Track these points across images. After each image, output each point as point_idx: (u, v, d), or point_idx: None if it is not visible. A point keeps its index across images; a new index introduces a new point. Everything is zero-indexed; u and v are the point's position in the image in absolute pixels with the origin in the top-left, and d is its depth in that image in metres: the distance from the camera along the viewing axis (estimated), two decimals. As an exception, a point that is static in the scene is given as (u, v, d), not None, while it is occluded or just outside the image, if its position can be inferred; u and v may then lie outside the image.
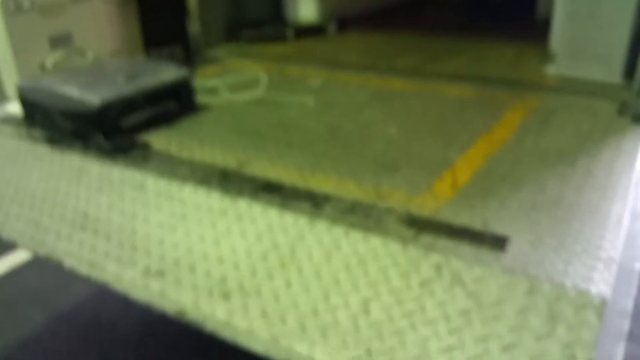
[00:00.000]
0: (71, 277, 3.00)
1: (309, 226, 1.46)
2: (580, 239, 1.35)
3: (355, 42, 3.71)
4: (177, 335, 2.67)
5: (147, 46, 3.07)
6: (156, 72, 2.29)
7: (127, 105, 2.09)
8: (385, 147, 1.96)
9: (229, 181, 1.73)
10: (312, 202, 1.56)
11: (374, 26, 4.10)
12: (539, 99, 2.38)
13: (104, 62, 2.66)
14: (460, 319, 1.14)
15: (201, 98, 2.46)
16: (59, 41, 2.62)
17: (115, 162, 1.89)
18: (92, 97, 2.00)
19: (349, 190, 1.64)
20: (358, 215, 1.49)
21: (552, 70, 2.70)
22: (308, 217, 1.50)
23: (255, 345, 1.14)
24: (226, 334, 1.18)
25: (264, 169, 1.81)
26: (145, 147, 2.01)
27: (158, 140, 2.07)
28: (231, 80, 2.74)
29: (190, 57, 3.22)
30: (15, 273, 3.24)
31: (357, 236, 1.40)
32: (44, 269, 3.23)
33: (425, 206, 1.54)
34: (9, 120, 2.31)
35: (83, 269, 1.42)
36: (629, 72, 2.46)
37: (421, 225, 1.43)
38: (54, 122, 2.09)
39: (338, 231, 1.43)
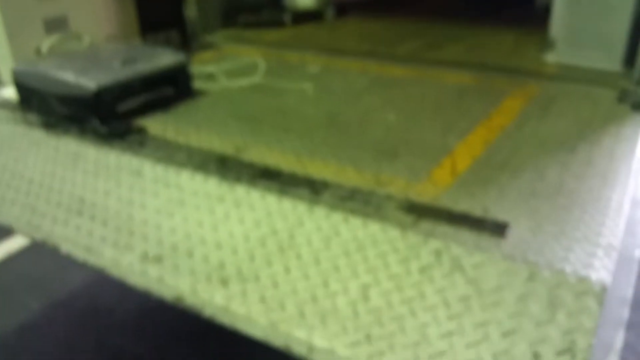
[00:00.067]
0: (67, 264, 3.01)
1: (307, 212, 1.45)
2: (581, 226, 1.35)
3: (353, 28, 3.68)
4: (174, 321, 2.67)
5: (144, 31, 3.04)
6: (153, 57, 2.27)
7: (124, 90, 2.07)
8: (384, 134, 1.95)
9: (227, 167, 1.71)
10: (311, 189, 1.55)
11: (372, 12, 4.07)
12: (538, 86, 2.37)
13: (100, 47, 2.63)
14: (460, 305, 1.13)
15: (198, 83, 2.44)
16: (55, 25, 2.59)
17: (111, 147, 1.88)
18: (89, 81, 1.98)
19: (348, 177, 1.63)
20: (357, 201, 1.48)
21: (551, 57, 2.69)
22: (307, 203, 1.49)
23: (254, 330, 1.14)
24: (225, 319, 1.17)
25: (262, 155, 1.80)
26: (142, 133, 2.00)
27: (154, 125, 2.06)
28: (228, 66, 2.72)
29: (187, 42, 3.19)
30: (11, 259, 3.24)
31: (356, 222, 1.39)
32: (40, 256, 3.22)
33: (425, 193, 1.53)
34: (4, 104, 2.29)
35: (80, 254, 1.41)
36: (629, 60, 2.45)
37: (421, 212, 1.42)
38: (50, 106, 2.07)
39: (337, 217, 1.42)
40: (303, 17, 3.76)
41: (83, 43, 2.66)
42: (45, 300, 2.91)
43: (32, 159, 1.86)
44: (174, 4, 3.21)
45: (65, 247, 1.43)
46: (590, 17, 2.53)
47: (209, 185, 1.62)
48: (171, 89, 2.29)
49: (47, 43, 2.55)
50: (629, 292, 1.25)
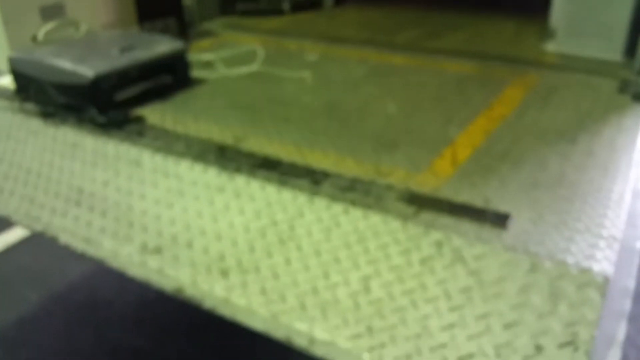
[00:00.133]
0: (66, 256, 3.01)
1: (308, 203, 1.44)
2: (582, 217, 1.35)
3: (352, 16, 3.65)
4: (173, 313, 2.67)
5: (141, 19, 3.02)
6: (150, 45, 2.24)
7: (122, 78, 2.05)
8: (384, 124, 1.94)
9: (226, 157, 1.70)
10: (311, 179, 1.54)
11: (371, 0, 4.04)
12: (539, 76, 2.36)
13: (97, 34, 2.61)
14: (461, 297, 1.13)
15: (196, 72, 2.42)
16: (51, 12, 2.57)
17: (110, 137, 1.87)
18: (86, 69, 1.96)
19: (348, 167, 1.62)
20: (358, 192, 1.47)
21: (552, 46, 2.67)
22: (307, 194, 1.48)
23: (254, 322, 1.13)
24: (225, 311, 1.16)
25: (261, 144, 1.79)
26: (140, 122, 1.98)
27: (152, 114, 2.04)
28: (226, 54, 2.70)
29: (184, 30, 3.16)
30: (10, 252, 3.23)
31: (356, 213, 1.39)
32: (38, 248, 3.21)
33: (426, 183, 1.52)
34: (0, 93, 2.27)
35: (78, 245, 1.40)
36: (630, 50, 2.44)
37: (422, 203, 1.42)
38: (47, 95, 2.05)
39: (337, 208, 1.41)
40: (302, 4, 3.73)
41: (80, 31, 2.64)
42: (44, 292, 2.90)
43: (30, 149, 1.85)
44: (172, -9, 3.18)
45: (64, 238, 1.42)
46: (591, 6, 2.51)
47: (209, 176, 1.61)
48: (169, 77, 2.27)
49: (43, 30, 2.52)
50: (630, 284, 1.25)
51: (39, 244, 3.22)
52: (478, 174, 1.57)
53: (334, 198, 1.45)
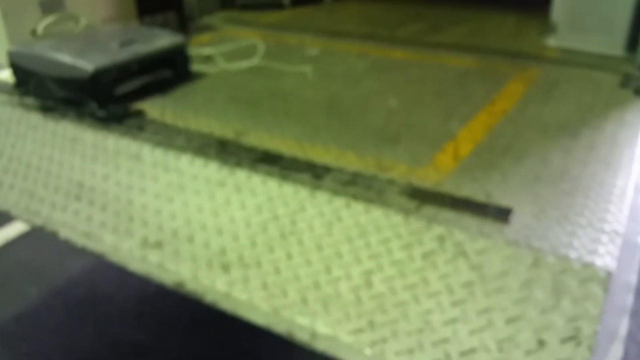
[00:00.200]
0: (65, 251, 3.01)
1: (309, 197, 1.43)
2: (584, 212, 1.34)
3: (353, 10, 3.64)
4: (174, 308, 2.67)
5: (141, 13, 3.00)
6: (150, 39, 2.23)
7: (121, 72, 2.05)
8: (385, 118, 1.93)
9: (227, 152, 1.70)
10: (312, 174, 1.54)
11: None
12: (540, 71, 2.35)
13: (97, 28, 2.59)
14: (464, 291, 1.13)
15: (196, 66, 2.42)
16: (51, 6, 2.55)
17: (110, 131, 1.86)
18: (86, 63, 1.95)
19: (349, 161, 1.62)
20: (359, 186, 1.47)
21: (553, 41, 2.66)
22: (308, 188, 1.47)
23: (256, 317, 1.13)
24: (227, 306, 1.16)
25: (262, 139, 1.78)
26: (140, 116, 1.97)
27: (152, 109, 2.03)
28: (227, 48, 2.69)
29: (184, 24, 3.15)
30: (9, 246, 3.22)
31: (358, 208, 1.38)
32: (37, 243, 3.21)
33: (428, 178, 1.52)
34: (0, 87, 2.26)
35: (79, 239, 1.40)
36: (632, 45, 2.43)
37: (423, 197, 1.41)
38: (47, 89, 2.04)
39: (339, 203, 1.40)
40: (302, -2, 3.72)
41: (80, 25, 2.62)
42: (44, 287, 2.90)
43: (30, 143, 1.84)
44: (172, -15, 3.16)
45: (64, 233, 1.42)
46: (592, 0, 2.50)
47: (209, 170, 1.60)
48: (169, 72, 2.26)
49: (43, 24, 2.51)
50: (632, 279, 1.24)
51: (39, 238, 3.22)
52: (480, 168, 1.56)
53: (335, 192, 1.44)
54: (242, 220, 1.38)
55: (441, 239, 1.26)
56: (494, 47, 2.72)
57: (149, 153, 1.72)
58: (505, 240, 1.24)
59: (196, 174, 1.59)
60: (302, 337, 1.08)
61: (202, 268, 1.24)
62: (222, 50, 2.65)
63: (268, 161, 1.62)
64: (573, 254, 1.18)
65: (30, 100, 2.11)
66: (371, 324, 1.07)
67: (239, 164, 1.61)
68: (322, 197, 1.43)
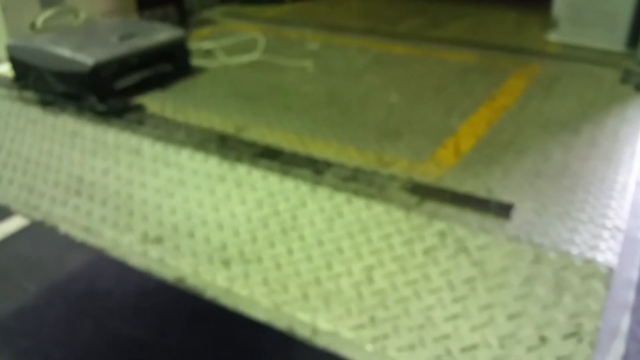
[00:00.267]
0: (65, 246, 3.00)
1: (310, 193, 1.43)
2: (586, 208, 1.34)
3: (353, 5, 3.62)
4: (173, 303, 2.67)
5: (141, 6, 2.99)
6: (150, 33, 2.22)
7: (121, 66, 2.04)
8: (386, 113, 1.93)
9: (227, 146, 1.69)
10: (313, 169, 1.53)
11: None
12: (541, 66, 2.34)
13: (96, 22, 2.58)
14: (465, 287, 1.13)
15: (196, 60, 2.41)
16: (50, 0, 2.54)
17: (109, 125, 1.85)
18: (86, 57, 1.94)
19: (350, 157, 1.61)
20: (360, 182, 1.46)
21: (554, 36, 2.65)
22: (309, 183, 1.47)
23: (256, 313, 1.13)
24: (227, 301, 1.16)
25: (262, 134, 1.78)
26: (140, 110, 1.97)
27: (152, 103, 2.02)
28: (227, 42, 2.68)
29: (184, 18, 3.14)
30: (9, 241, 3.21)
31: (359, 203, 1.38)
32: (37, 237, 3.20)
33: (429, 173, 1.51)
34: (-1, 81, 2.25)
35: (79, 234, 1.39)
36: (633, 40, 2.42)
37: (425, 193, 1.41)
38: (46, 83, 2.03)
39: (340, 198, 1.40)
40: (302, -7, 3.70)
41: (79, 18, 2.61)
42: (44, 282, 2.89)
43: (29, 137, 1.84)
44: (171, -21, 3.15)
45: (64, 228, 1.42)
46: (594, -5, 2.50)
47: (210, 165, 1.60)
48: (169, 66, 2.25)
49: (42, 18, 2.50)
50: (634, 275, 1.24)
51: (38, 233, 3.21)
52: (481, 164, 1.56)
53: (336, 188, 1.44)
54: (243, 215, 1.38)
55: (442, 235, 1.26)
56: (495, 42, 2.71)
57: (149, 147, 1.71)
58: (506, 236, 1.24)
59: (196, 169, 1.58)
60: (303, 333, 1.08)
61: (203, 263, 1.24)
62: (223, 44, 2.64)
63: (269, 156, 1.61)
64: (574, 250, 1.18)
65: (29, 94, 2.10)
66: (372, 320, 1.07)
67: (239, 158, 1.60)
68: (323, 192, 1.43)
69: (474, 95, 2.04)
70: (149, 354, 2.46)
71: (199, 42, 2.64)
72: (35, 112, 1.99)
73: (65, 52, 1.98)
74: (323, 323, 1.07)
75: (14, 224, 3.26)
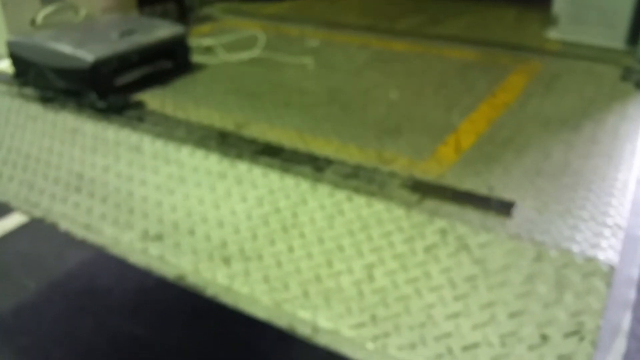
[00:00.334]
0: (65, 243, 3.00)
1: (311, 190, 1.43)
2: (587, 205, 1.34)
3: (354, 2, 3.61)
4: (173, 301, 2.67)
5: (140, 3, 2.98)
6: (150, 30, 2.22)
7: (122, 62, 2.03)
8: (386, 110, 1.92)
9: (228, 143, 1.69)
10: (314, 166, 1.53)
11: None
12: (541, 63, 2.34)
13: (96, 19, 2.58)
14: (466, 285, 1.12)
15: (196, 57, 2.40)
16: (50, -4, 2.54)
17: (110, 122, 1.84)
18: (86, 53, 1.93)
19: (350, 154, 1.61)
20: (361, 179, 1.46)
21: (554, 33, 2.65)
22: (310, 181, 1.46)
23: (257, 311, 1.12)
24: (227, 299, 1.16)
25: (262, 131, 1.77)
26: (140, 107, 1.96)
27: (153, 100, 2.02)
28: (227, 39, 2.67)
29: (184, 14, 3.13)
30: (8, 238, 3.21)
31: (360, 201, 1.37)
32: (37, 234, 3.20)
33: (429, 171, 1.51)
34: (-1, 78, 2.25)
35: (79, 231, 1.39)
36: (633, 38, 2.42)
37: (425, 190, 1.40)
38: (46, 79, 2.03)
39: (341, 196, 1.40)
40: (302, -11, 3.69)
41: (79, 14, 2.61)
42: (43, 280, 2.89)
43: (29, 134, 1.83)
44: (171, -25, 3.14)
45: (64, 225, 1.41)
46: (594, -7, 2.49)
47: (210, 162, 1.59)
48: (169, 62, 2.25)
49: (42, 14, 2.49)
50: (635, 273, 1.24)
51: (38, 230, 3.21)
52: (482, 161, 1.56)
53: (337, 185, 1.43)
54: (243, 212, 1.38)
55: (443, 233, 1.25)
56: (495, 39, 2.71)
57: (149, 144, 1.71)
58: (507, 234, 1.23)
59: (197, 166, 1.58)
60: (303, 331, 1.08)
61: (203, 261, 1.24)
62: (223, 41, 2.64)
63: (269, 153, 1.61)
64: (575, 248, 1.18)
65: (29, 90, 2.09)
66: (373, 318, 1.07)
67: (239, 156, 1.60)
68: (323, 190, 1.43)
69: (474, 92, 2.04)
70: (149, 351, 2.46)
71: (199, 39, 2.63)
72: (35, 109, 1.98)
73: (65, 48, 1.97)
74: (323, 321, 1.07)
75: (14, 220, 3.26)
